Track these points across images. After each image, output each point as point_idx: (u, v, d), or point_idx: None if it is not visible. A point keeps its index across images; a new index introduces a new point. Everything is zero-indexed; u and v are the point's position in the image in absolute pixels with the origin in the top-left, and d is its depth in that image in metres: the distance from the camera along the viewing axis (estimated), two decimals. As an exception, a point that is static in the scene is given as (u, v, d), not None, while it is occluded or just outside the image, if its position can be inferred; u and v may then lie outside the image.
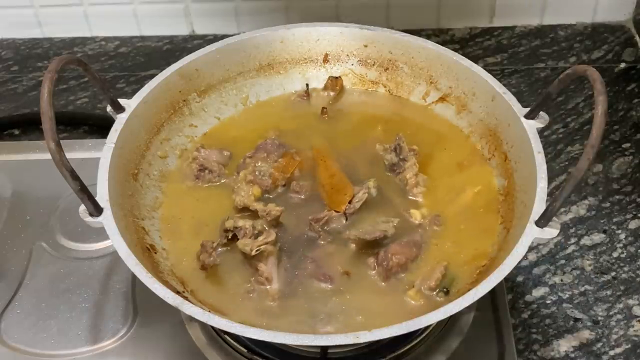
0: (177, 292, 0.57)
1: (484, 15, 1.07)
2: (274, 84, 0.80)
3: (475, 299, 0.53)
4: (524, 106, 0.67)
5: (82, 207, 0.59)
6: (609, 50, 1.03)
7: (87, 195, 0.58)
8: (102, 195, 0.61)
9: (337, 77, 0.79)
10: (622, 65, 1.00)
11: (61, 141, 0.55)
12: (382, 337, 0.52)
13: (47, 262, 0.77)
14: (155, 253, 0.64)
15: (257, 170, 0.70)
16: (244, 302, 0.61)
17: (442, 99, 0.76)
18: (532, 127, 0.65)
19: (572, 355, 0.69)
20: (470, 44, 1.05)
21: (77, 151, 0.84)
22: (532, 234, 0.56)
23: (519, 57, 1.02)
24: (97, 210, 0.59)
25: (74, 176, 0.56)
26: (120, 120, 0.68)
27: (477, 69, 0.72)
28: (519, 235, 0.57)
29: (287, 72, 0.80)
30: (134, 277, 0.69)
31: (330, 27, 0.79)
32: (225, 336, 0.68)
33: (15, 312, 0.72)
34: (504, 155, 0.69)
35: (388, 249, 0.63)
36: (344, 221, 0.66)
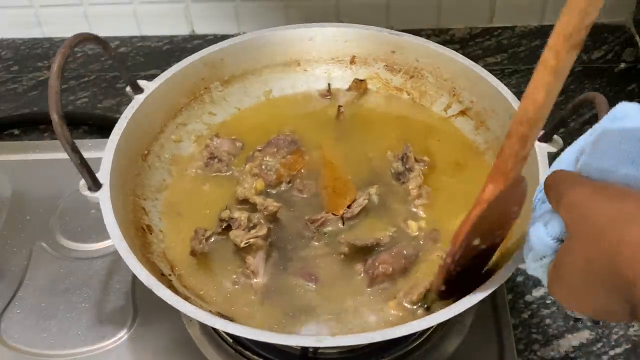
0: (162, 274, 0.58)
1: (484, 15, 1.07)
2: (298, 80, 0.80)
3: (472, 303, 0.52)
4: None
5: (82, 182, 0.60)
6: (609, 50, 1.02)
7: (86, 169, 0.59)
8: (105, 171, 0.62)
9: (362, 80, 0.79)
10: (622, 65, 1.00)
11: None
12: (361, 343, 0.52)
13: (47, 262, 0.76)
14: (151, 234, 0.64)
15: (264, 164, 0.71)
16: (227, 292, 0.61)
17: (462, 113, 0.75)
18: (543, 149, 0.63)
19: (572, 355, 0.69)
20: (470, 44, 1.05)
21: (77, 151, 0.84)
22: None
23: (519, 57, 1.02)
24: (95, 185, 0.60)
25: (74, 149, 0.57)
26: (138, 100, 0.68)
27: (503, 88, 0.70)
28: (516, 249, 0.55)
29: (313, 70, 0.80)
30: (134, 277, 0.69)
31: (361, 30, 0.79)
32: (226, 336, 0.68)
33: (15, 312, 0.72)
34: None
35: (377, 257, 0.62)
36: (341, 225, 0.66)
